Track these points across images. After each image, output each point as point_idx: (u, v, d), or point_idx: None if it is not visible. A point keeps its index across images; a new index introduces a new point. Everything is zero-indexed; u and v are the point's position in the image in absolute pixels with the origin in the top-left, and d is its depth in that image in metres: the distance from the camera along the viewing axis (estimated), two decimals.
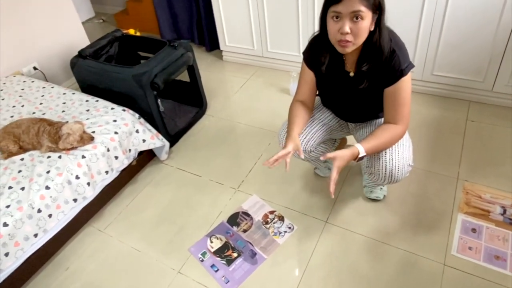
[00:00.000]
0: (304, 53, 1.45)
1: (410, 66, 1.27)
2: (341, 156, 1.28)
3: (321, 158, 1.30)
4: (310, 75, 1.46)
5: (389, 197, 1.76)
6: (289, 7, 2.44)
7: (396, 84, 1.28)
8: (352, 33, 1.17)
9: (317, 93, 1.54)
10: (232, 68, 2.95)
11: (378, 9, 1.17)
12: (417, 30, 2.13)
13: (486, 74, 2.10)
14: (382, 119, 1.45)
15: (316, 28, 2.47)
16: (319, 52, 1.35)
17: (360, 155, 1.30)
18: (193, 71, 2.28)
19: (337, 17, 1.17)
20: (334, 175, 1.28)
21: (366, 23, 1.16)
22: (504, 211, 1.62)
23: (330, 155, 1.28)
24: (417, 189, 1.78)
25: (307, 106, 1.50)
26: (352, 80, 1.37)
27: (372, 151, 1.34)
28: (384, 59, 1.25)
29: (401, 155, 1.38)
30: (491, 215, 1.61)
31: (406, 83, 1.28)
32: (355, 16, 1.14)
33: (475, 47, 2.05)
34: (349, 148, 1.31)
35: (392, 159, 1.37)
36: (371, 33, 1.21)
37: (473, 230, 1.57)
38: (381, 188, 1.73)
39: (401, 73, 1.26)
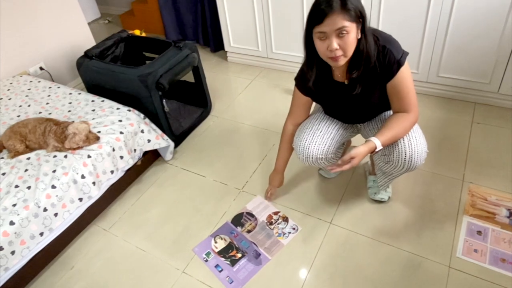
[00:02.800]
0: (296, 79, 1.47)
1: (405, 54, 1.27)
2: (359, 154, 1.29)
3: (339, 162, 1.31)
4: (303, 99, 1.50)
5: (393, 199, 1.75)
6: (294, 8, 2.44)
7: (397, 76, 1.28)
8: (341, 48, 1.18)
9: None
10: (236, 69, 2.96)
11: (360, 18, 1.17)
12: (423, 32, 2.13)
13: (492, 76, 2.09)
14: (389, 111, 1.45)
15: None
16: (307, 72, 1.36)
17: (377, 149, 1.30)
18: (198, 71, 2.29)
19: (323, 37, 1.18)
20: (348, 167, 1.30)
21: (352, 35, 1.17)
22: (510, 214, 1.61)
23: (346, 157, 1.28)
24: (422, 190, 1.77)
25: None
26: (348, 88, 1.37)
27: (388, 143, 1.35)
28: (373, 62, 1.26)
29: (419, 140, 1.38)
30: (497, 217, 1.60)
31: (405, 72, 1.28)
32: (341, 32, 1.15)
33: (481, 49, 2.04)
34: (365, 144, 1.30)
35: (411, 144, 1.37)
36: (358, 41, 1.22)
37: (479, 232, 1.56)
38: (386, 190, 1.73)
39: (399, 64, 1.26)
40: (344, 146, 1.85)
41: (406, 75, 1.29)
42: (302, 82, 1.45)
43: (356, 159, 1.29)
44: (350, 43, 1.18)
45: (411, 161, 1.38)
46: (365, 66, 1.27)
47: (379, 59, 1.26)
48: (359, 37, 1.20)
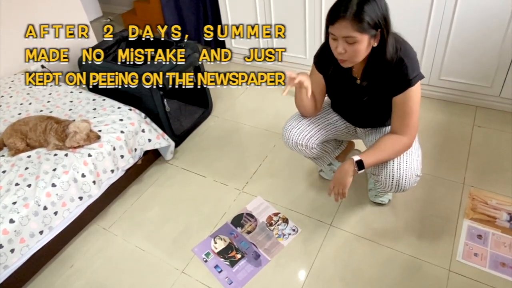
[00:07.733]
0: (315, 57, 1.46)
1: (419, 77, 1.25)
2: (349, 182, 1.34)
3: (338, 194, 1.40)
4: (318, 78, 1.47)
5: (394, 201, 1.75)
6: (296, 9, 2.44)
7: (404, 94, 1.26)
8: (347, 54, 1.19)
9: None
10: (238, 69, 2.95)
11: (378, 27, 1.15)
12: (425, 35, 2.13)
13: (494, 79, 2.09)
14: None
15: (323, 31, 2.46)
16: (329, 57, 1.35)
17: (360, 171, 1.31)
18: (199, 71, 2.29)
19: (333, 37, 1.19)
20: (341, 195, 1.39)
21: (362, 45, 1.16)
22: (511, 218, 1.60)
23: (342, 190, 1.37)
24: (423, 194, 1.77)
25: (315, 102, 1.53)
26: (359, 88, 1.37)
27: (374, 164, 1.35)
28: (390, 70, 1.25)
29: (409, 165, 1.35)
30: (497, 221, 1.60)
31: (414, 93, 1.26)
32: (348, 40, 1.15)
33: (483, 52, 2.04)
34: (349, 161, 1.32)
35: (399, 168, 1.35)
36: (375, 49, 1.21)
37: (479, 236, 1.56)
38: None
39: (409, 83, 1.24)
40: (344, 147, 1.85)
41: (413, 97, 1.26)
42: (319, 59, 1.43)
43: (347, 187, 1.35)
44: (358, 51, 1.17)
45: (399, 185, 1.37)
46: (382, 73, 1.26)
47: (393, 70, 1.24)
48: (375, 45, 1.19)
